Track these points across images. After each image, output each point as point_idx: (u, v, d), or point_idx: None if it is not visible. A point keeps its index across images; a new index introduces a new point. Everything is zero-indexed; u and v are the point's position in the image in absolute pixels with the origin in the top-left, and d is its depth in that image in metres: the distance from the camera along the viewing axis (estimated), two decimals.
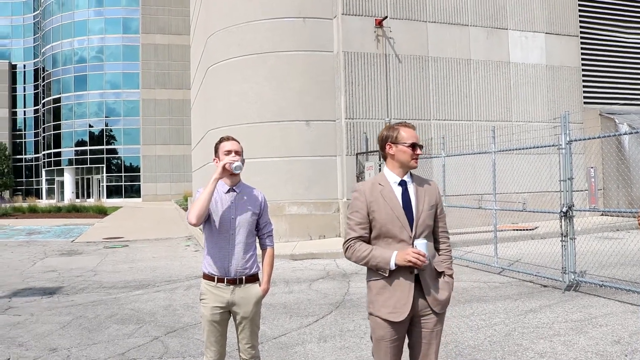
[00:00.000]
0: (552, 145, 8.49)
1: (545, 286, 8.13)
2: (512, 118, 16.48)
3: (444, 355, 5.11)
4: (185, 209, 31.06)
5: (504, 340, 5.62)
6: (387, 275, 3.00)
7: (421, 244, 2.94)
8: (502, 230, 12.08)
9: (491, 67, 16.36)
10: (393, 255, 2.97)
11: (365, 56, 14.87)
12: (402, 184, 3.14)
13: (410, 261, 2.90)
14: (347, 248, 3.12)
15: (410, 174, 3.18)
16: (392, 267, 2.97)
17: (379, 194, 3.11)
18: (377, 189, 3.12)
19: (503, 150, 9.96)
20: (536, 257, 9.58)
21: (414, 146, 3.09)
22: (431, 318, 3.09)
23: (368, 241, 3.12)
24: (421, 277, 3.04)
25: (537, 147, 8.97)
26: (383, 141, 3.17)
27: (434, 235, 3.21)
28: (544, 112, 16.95)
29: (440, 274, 3.12)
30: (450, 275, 3.16)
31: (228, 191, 3.59)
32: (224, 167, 3.48)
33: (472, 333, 5.89)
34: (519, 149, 9.62)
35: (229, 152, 3.53)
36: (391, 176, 3.15)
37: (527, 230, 13.30)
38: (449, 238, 3.28)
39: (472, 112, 16.05)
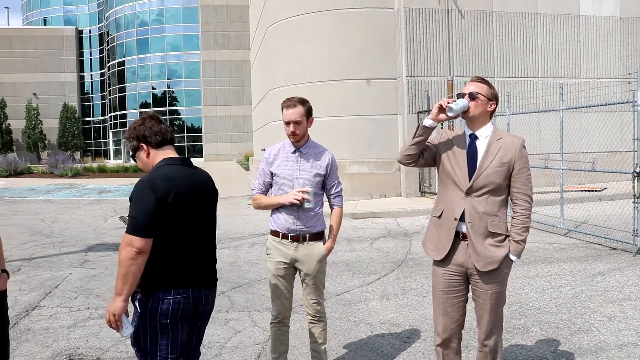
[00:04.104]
0: (626, 102, 8.10)
1: (614, 249, 7.89)
2: (580, 74, 15.75)
3: (508, 315, 5.08)
4: (247, 169, 31.62)
5: (570, 302, 5.52)
6: (437, 215, 3.21)
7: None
8: (568, 191, 11.72)
9: (559, 21, 15.60)
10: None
11: (427, 12, 14.47)
12: (473, 137, 3.16)
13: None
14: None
15: (494, 128, 3.16)
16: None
17: (451, 140, 3.20)
18: (453, 137, 3.21)
19: (571, 108, 9.59)
20: (604, 219, 9.27)
21: (463, 94, 3.14)
22: (480, 276, 3.12)
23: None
24: (468, 232, 3.09)
25: (609, 105, 8.57)
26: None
27: (510, 196, 3.15)
28: (616, 67, 16.09)
29: (494, 234, 3.08)
30: (517, 241, 3.10)
31: (294, 151, 3.63)
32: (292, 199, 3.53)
33: (537, 294, 5.82)
34: (588, 107, 9.24)
35: (287, 124, 3.54)
36: (467, 129, 3.20)
37: (594, 191, 12.85)
38: (528, 201, 3.11)
39: (537, 68, 15.45)
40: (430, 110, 12.21)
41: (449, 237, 3.14)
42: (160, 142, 2.87)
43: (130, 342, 2.82)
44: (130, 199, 2.68)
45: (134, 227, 2.57)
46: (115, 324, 2.62)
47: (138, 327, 2.70)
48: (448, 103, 3.03)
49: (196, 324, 2.93)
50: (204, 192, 2.91)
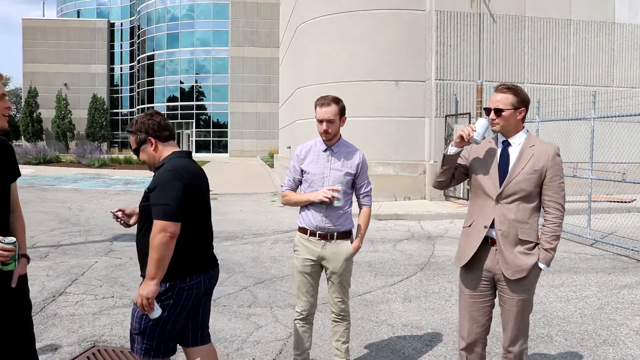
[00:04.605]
0: None
1: None
2: (613, 83, 15.49)
3: (532, 324, 5.02)
4: (271, 166, 31.74)
5: (595, 313, 5.45)
6: (468, 225, 3.21)
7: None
8: (596, 201, 11.54)
9: (593, 28, 15.35)
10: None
11: (459, 15, 14.37)
12: (505, 143, 3.14)
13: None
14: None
15: (527, 135, 3.14)
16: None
17: (482, 148, 3.20)
18: (484, 145, 3.21)
19: (603, 117, 9.44)
20: (633, 231, 9.11)
21: (488, 110, 3.14)
22: (507, 283, 3.10)
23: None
24: (497, 239, 3.08)
25: None
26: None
27: (542, 204, 3.12)
28: None
29: (524, 241, 3.06)
30: (547, 249, 3.06)
31: (325, 150, 3.64)
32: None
33: (561, 304, 5.75)
34: (620, 116, 9.08)
35: (320, 122, 3.56)
36: (499, 136, 3.19)
37: (623, 202, 12.64)
38: (559, 210, 3.07)
39: (569, 76, 15.23)
40: (459, 115, 12.03)
41: (475, 244, 3.14)
42: (167, 137, 3.04)
43: (134, 326, 2.93)
44: (150, 190, 2.84)
45: (167, 213, 2.74)
46: (148, 306, 2.76)
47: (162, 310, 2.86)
48: (469, 135, 3.04)
49: (204, 298, 3.14)
50: (206, 182, 3.15)
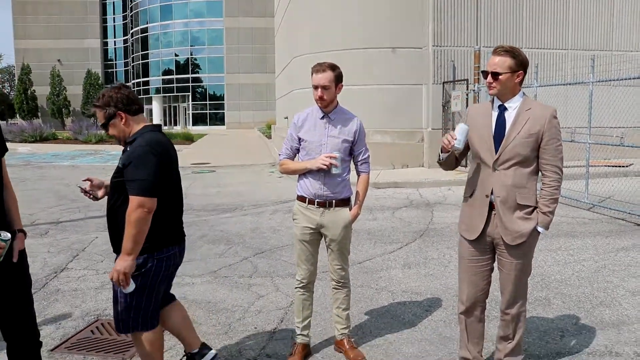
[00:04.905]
0: None
1: (638, 225, 7.80)
2: (612, 47, 15.36)
3: (530, 287, 5.05)
4: (268, 137, 31.64)
5: (592, 276, 5.50)
6: (468, 195, 3.20)
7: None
8: (594, 166, 11.55)
9: None
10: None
11: None
12: (502, 108, 3.11)
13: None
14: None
15: (523, 99, 3.11)
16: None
17: (478, 115, 3.19)
18: (480, 111, 3.21)
19: (602, 81, 9.39)
20: (629, 195, 9.14)
21: (485, 73, 3.10)
22: (505, 248, 3.12)
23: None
24: (496, 205, 3.08)
25: None
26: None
27: (540, 168, 3.10)
28: None
29: (523, 206, 3.06)
30: (545, 213, 3.06)
31: (323, 117, 3.63)
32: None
33: (559, 267, 5.80)
34: (619, 80, 9.03)
35: (316, 88, 3.53)
36: (496, 100, 3.16)
37: (621, 166, 12.65)
38: (557, 173, 3.05)
39: (567, 40, 15.10)
40: (456, 81, 11.90)
41: (481, 216, 3.13)
42: (137, 110, 3.01)
43: (122, 301, 2.97)
44: (125, 165, 2.83)
45: (145, 188, 2.77)
46: (124, 281, 2.81)
47: (137, 285, 2.91)
48: (450, 145, 3.05)
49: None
50: (176, 155, 3.16)
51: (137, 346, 3.11)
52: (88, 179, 3.20)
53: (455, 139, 3.03)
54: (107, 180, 3.25)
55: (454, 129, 12.64)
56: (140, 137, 2.92)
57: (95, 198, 3.23)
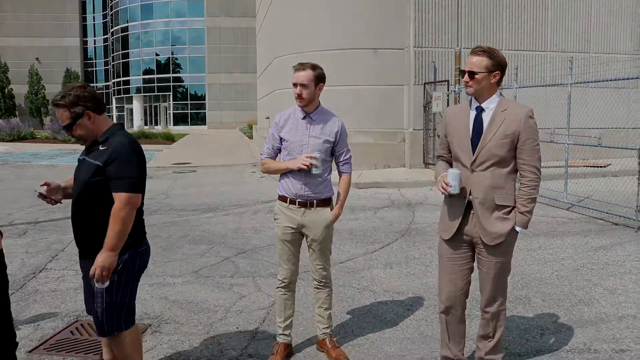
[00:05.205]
0: (636, 78, 8.03)
1: (616, 224, 7.91)
2: (590, 49, 15.56)
3: (510, 286, 5.10)
4: (250, 137, 31.55)
5: (572, 275, 5.57)
6: (448, 196, 3.20)
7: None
8: (572, 166, 11.70)
9: None
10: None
11: None
12: (479, 109, 3.13)
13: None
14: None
15: (500, 99, 3.11)
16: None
17: (456, 117, 3.21)
18: (457, 113, 3.23)
19: (580, 83, 9.51)
20: (607, 194, 9.28)
21: (463, 73, 3.12)
22: (484, 247, 3.14)
23: (449, 161, 3.33)
24: (473, 206, 3.10)
25: (619, 80, 8.51)
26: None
27: (517, 168, 3.12)
28: (626, 43, 15.87)
29: (501, 207, 3.08)
30: (523, 212, 3.08)
31: (304, 117, 3.63)
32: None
33: (538, 266, 5.87)
34: (597, 82, 9.16)
35: (295, 85, 3.54)
36: (473, 101, 3.17)
37: (599, 167, 12.83)
38: (534, 172, 3.07)
39: (547, 42, 15.27)
40: (437, 82, 11.96)
41: (457, 216, 3.17)
42: (103, 109, 2.96)
43: (103, 300, 2.91)
44: (107, 163, 2.77)
45: (133, 185, 2.80)
46: (106, 277, 2.81)
47: (114, 281, 2.89)
48: (447, 192, 3.08)
49: None
50: None
51: (117, 348, 3.05)
52: (45, 183, 3.06)
53: (450, 186, 3.05)
54: (62, 182, 3.14)
55: (434, 129, 12.63)
56: (119, 136, 2.88)
57: (55, 202, 3.08)
